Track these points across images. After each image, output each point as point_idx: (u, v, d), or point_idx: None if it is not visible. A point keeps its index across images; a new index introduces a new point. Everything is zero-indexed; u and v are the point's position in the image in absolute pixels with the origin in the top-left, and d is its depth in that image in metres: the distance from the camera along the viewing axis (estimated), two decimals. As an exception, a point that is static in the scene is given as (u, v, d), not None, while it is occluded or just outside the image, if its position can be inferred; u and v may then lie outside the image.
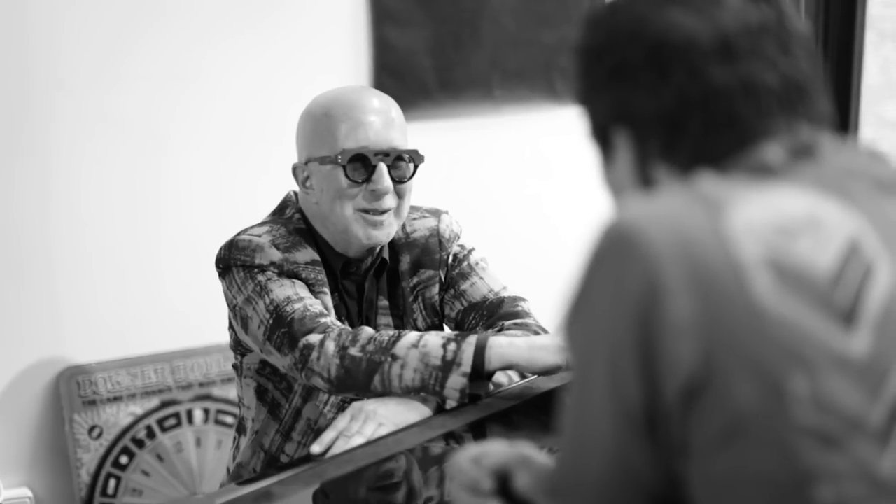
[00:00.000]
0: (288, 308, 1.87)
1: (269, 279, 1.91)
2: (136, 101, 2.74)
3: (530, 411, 1.83)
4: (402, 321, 2.06)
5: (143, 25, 2.74)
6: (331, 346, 1.82)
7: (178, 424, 2.84)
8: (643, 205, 0.95)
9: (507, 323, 1.99)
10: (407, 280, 2.06)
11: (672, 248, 0.90)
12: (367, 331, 1.84)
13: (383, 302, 2.05)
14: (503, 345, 1.81)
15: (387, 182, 1.92)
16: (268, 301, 1.88)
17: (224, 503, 1.53)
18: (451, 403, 1.82)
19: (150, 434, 2.80)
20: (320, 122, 1.95)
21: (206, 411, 2.87)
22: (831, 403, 0.88)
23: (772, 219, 0.92)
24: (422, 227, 2.08)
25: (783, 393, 0.88)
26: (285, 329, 1.86)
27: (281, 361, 1.89)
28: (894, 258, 0.93)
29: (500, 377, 1.91)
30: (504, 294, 2.05)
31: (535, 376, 1.93)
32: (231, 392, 2.84)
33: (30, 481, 2.73)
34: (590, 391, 0.94)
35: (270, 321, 1.88)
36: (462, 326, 2.06)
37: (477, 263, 2.09)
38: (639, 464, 0.92)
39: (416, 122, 2.51)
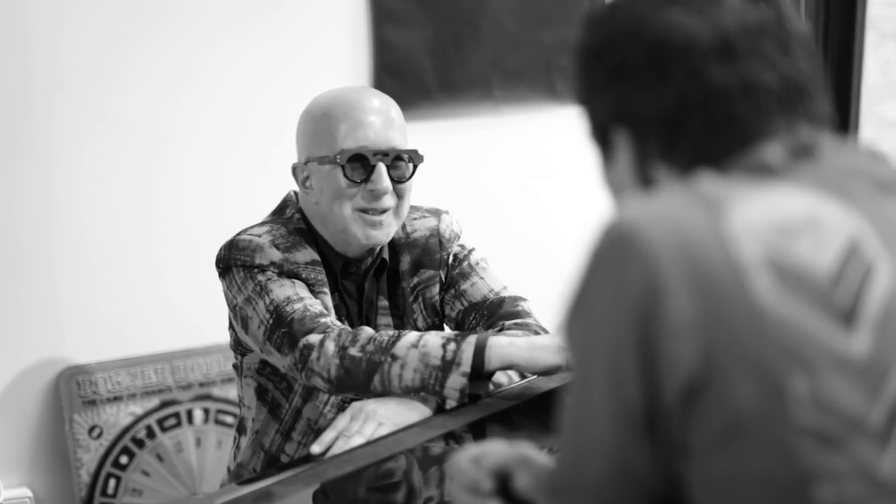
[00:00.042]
0: (288, 308, 1.87)
1: (269, 279, 1.91)
2: (136, 101, 2.74)
3: (530, 411, 1.83)
4: (402, 321, 2.06)
5: (143, 25, 2.74)
6: (331, 347, 1.82)
7: (178, 424, 2.84)
8: (643, 205, 0.95)
9: (507, 323, 1.99)
10: (407, 280, 2.06)
11: (672, 248, 0.90)
12: (367, 331, 1.84)
13: (383, 302, 2.05)
14: (503, 345, 1.81)
15: (385, 182, 1.92)
16: (268, 301, 1.89)
17: (224, 503, 1.53)
18: (451, 403, 1.82)
19: (150, 434, 2.80)
20: (320, 122, 1.95)
21: (206, 411, 2.87)
22: (831, 403, 0.88)
23: (772, 219, 0.92)
24: (422, 227, 2.08)
25: (783, 393, 0.88)
26: (285, 329, 1.86)
27: (281, 361, 1.89)
28: (894, 258, 0.93)
29: (500, 377, 1.91)
30: (504, 294, 2.05)
31: (535, 376, 1.92)
32: (231, 392, 2.84)
33: (30, 481, 2.73)
34: (590, 391, 0.94)
35: (270, 321, 1.88)
36: (462, 326, 2.06)
37: (477, 263, 2.09)
38: (639, 464, 0.92)
39: (416, 122, 2.51)
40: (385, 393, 1.81)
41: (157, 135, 2.78)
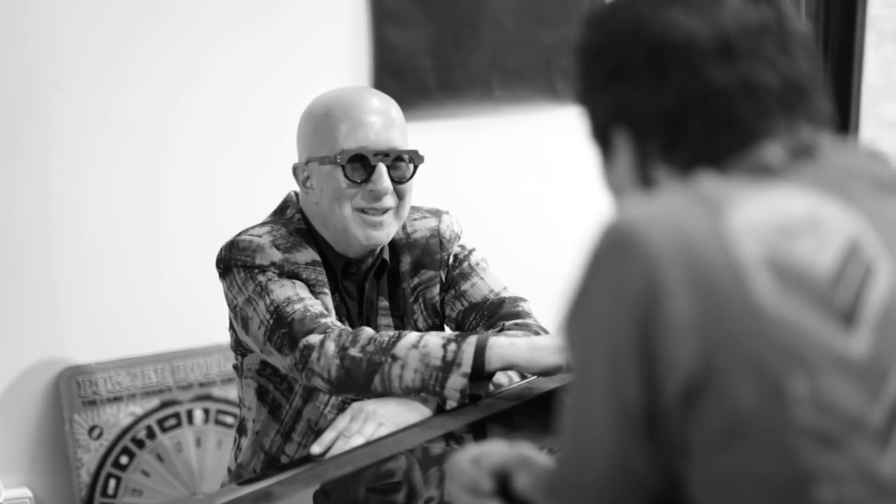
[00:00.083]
0: (288, 308, 1.87)
1: (269, 280, 1.91)
2: (136, 101, 2.74)
3: (530, 412, 1.83)
4: (402, 322, 2.06)
5: (143, 25, 2.74)
6: (331, 347, 1.81)
7: (179, 424, 2.84)
8: (643, 205, 0.95)
9: (507, 323, 1.99)
10: (407, 280, 2.06)
11: (672, 248, 0.90)
12: (368, 331, 1.84)
13: (384, 302, 2.05)
14: (503, 345, 1.81)
15: (386, 182, 1.92)
16: (268, 301, 1.88)
17: (224, 503, 1.53)
18: (451, 404, 1.82)
19: (151, 434, 2.80)
20: (320, 123, 1.95)
21: (207, 411, 2.87)
22: (831, 404, 0.88)
23: (772, 219, 0.92)
24: (422, 228, 2.08)
25: (783, 393, 0.88)
26: (285, 329, 1.85)
27: (281, 362, 1.89)
28: (894, 258, 0.93)
29: (500, 377, 1.91)
30: (505, 294, 2.05)
31: (536, 377, 1.92)
32: (231, 392, 2.84)
33: (30, 481, 2.73)
34: (590, 391, 0.94)
35: (271, 322, 1.88)
36: (463, 327, 2.06)
37: (477, 264, 2.09)
38: (638, 464, 0.92)
39: (416, 122, 2.51)
40: (385, 393, 1.81)
41: (157, 135, 2.78)
